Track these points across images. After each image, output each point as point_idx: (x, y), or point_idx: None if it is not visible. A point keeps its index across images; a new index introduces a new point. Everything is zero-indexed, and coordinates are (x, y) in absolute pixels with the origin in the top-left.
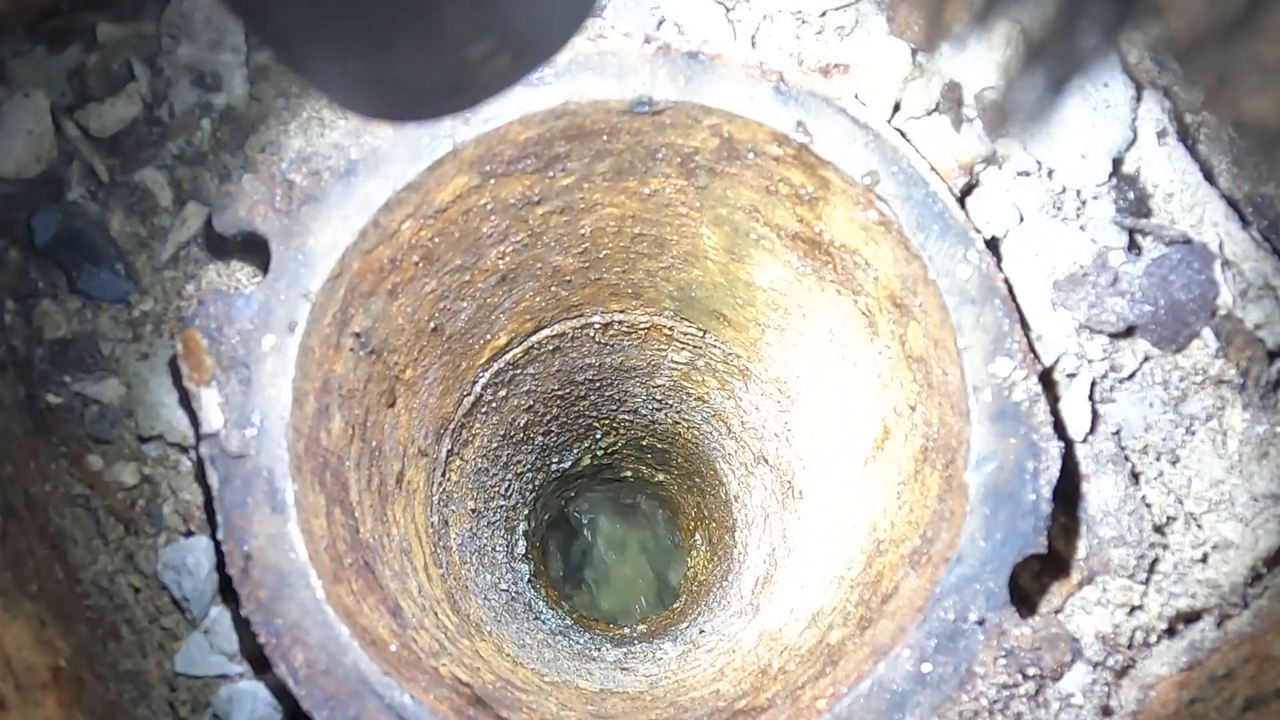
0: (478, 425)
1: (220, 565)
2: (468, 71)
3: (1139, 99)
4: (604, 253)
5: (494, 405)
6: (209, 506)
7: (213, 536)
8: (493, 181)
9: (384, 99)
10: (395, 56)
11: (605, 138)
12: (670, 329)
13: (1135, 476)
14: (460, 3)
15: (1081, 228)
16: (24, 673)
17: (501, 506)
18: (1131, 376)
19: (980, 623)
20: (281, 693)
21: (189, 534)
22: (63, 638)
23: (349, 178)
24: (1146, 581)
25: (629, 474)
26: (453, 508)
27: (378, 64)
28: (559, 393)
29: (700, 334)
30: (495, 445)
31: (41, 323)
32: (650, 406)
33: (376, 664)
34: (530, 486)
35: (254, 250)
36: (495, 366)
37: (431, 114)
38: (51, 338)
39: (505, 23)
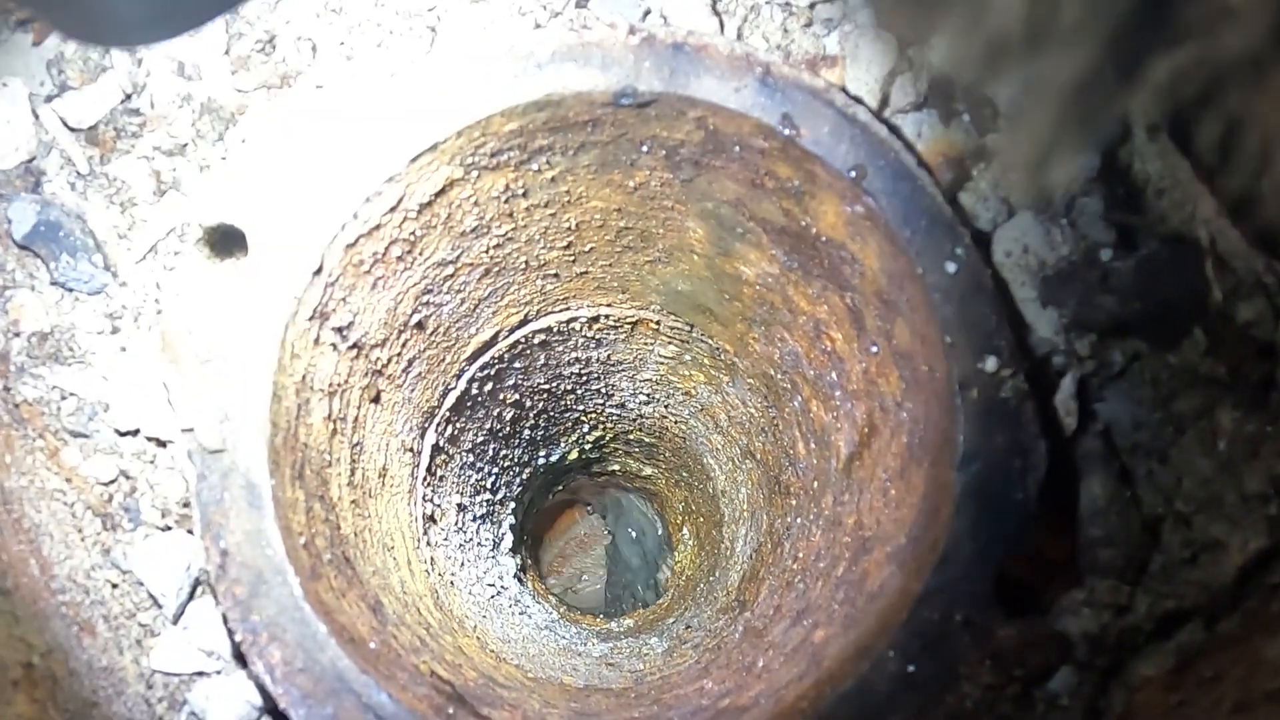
0: (463, 420)
1: (198, 561)
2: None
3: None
4: (589, 246)
5: (480, 400)
6: (187, 501)
7: (190, 531)
8: (475, 174)
9: (93, 23)
10: None
11: (589, 130)
12: (657, 323)
13: (1124, 475)
14: None
15: (1071, 224)
16: None
17: (488, 501)
18: (1121, 374)
19: (966, 623)
20: (263, 690)
21: (167, 529)
22: (36, 634)
23: (330, 170)
24: (1135, 582)
25: (616, 468)
26: (438, 502)
27: None
28: (546, 387)
29: (687, 328)
30: (481, 440)
31: (19, 315)
32: (638, 400)
33: (354, 661)
34: (517, 480)
35: (234, 243)
36: (481, 360)
37: (138, 40)
38: (29, 330)
39: None
